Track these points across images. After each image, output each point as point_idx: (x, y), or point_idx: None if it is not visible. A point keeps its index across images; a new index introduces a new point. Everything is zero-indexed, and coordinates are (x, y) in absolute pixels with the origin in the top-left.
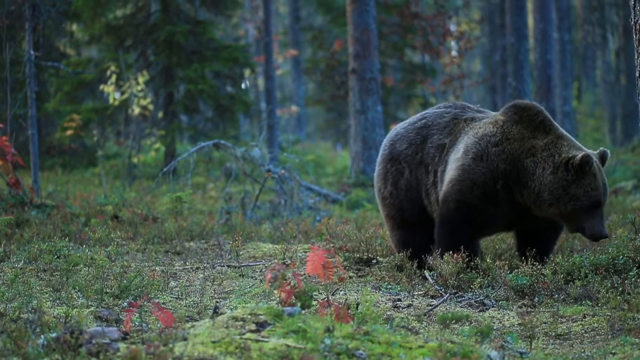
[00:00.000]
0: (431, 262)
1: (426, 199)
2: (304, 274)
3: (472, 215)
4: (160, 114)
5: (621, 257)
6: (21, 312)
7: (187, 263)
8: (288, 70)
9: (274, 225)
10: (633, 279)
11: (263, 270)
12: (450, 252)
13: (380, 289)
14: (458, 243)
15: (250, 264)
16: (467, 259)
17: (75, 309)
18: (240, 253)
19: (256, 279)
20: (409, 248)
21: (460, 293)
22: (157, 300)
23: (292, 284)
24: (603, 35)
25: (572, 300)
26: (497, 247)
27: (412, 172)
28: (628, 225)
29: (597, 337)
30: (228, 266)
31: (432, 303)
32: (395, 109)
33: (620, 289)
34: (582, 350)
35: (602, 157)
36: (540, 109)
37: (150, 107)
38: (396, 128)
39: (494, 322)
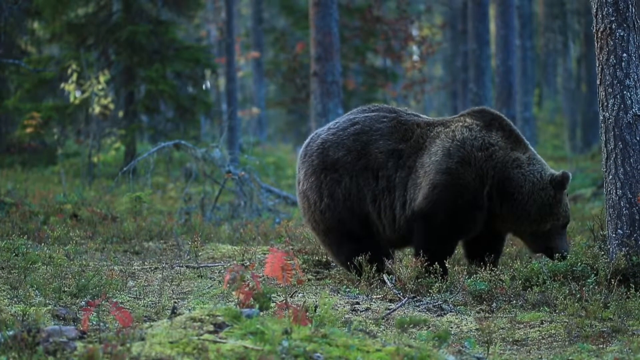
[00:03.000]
0: (390, 266)
1: (372, 206)
2: (263, 276)
3: (463, 221)
4: (120, 114)
5: (579, 264)
6: None
7: (146, 263)
8: (249, 71)
9: (233, 227)
10: (591, 286)
11: (222, 271)
12: (442, 261)
13: (338, 292)
14: (450, 251)
15: (209, 265)
16: (425, 264)
17: (33, 307)
18: (199, 254)
19: (215, 280)
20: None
21: (418, 297)
22: (115, 300)
23: (250, 285)
24: (564, 43)
25: (530, 307)
26: (456, 252)
27: (352, 179)
28: (587, 233)
29: (555, 343)
30: (187, 267)
31: (390, 307)
32: None
33: (578, 295)
34: (540, 357)
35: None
36: (510, 122)
37: (111, 106)
38: (319, 136)
39: (451, 327)
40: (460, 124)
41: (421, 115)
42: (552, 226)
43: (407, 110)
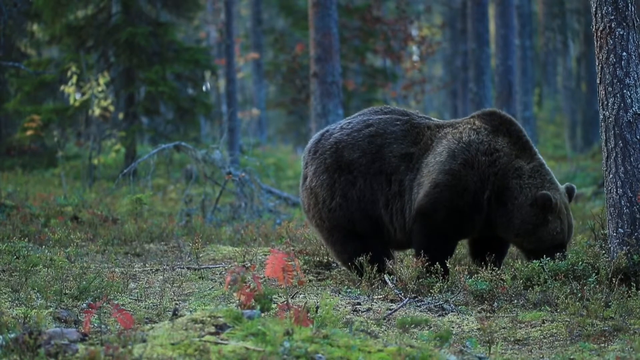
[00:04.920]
0: (391, 267)
1: (384, 209)
2: (264, 277)
3: (461, 221)
4: (120, 116)
5: (580, 263)
6: None
7: (147, 265)
8: (249, 73)
9: (234, 228)
10: (592, 285)
11: (223, 272)
12: (442, 261)
13: (339, 293)
14: (449, 250)
15: (210, 266)
16: (427, 264)
17: (34, 310)
18: (200, 255)
19: (216, 282)
20: (365, 256)
21: (419, 297)
22: (116, 302)
23: (251, 286)
24: (564, 42)
25: (531, 306)
26: (457, 252)
27: (366, 181)
28: (587, 232)
29: (556, 342)
30: (188, 268)
31: (392, 307)
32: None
33: (579, 295)
34: (541, 356)
35: (569, 193)
36: (521, 127)
37: (111, 108)
38: (331, 135)
39: (453, 327)
40: (469, 126)
41: (433, 118)
42: (536, 247)
43: (419, 113)
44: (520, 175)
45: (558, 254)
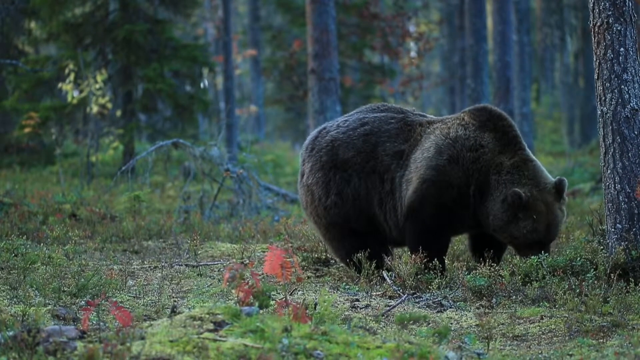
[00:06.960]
0: (389, 263)
1: (378, 208)
2: (262, 274)
3: (449, 217)
4: (118, 113)
5: (578, 258)
6: None
7: (145, 262)
8: (247, 69)
9: (232, 225)
10: (590, 281)
11: (221, 269)
12: (438, 257)
13: (338, 289)
14: (443, 246)
15: (209, 263)
16: (425, 260)
17: (33, 308)
18: (199, 252)
19: (214, 279)
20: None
21: (418, 294)
22: (114, 299)
23: (250, 283)
24: (562, 38)
25: (529, 302)
26: (455, 247)
27: (361, 180)
28: (586, 227)
29: (555, 338)
30: (186, 265)
31: (390, 303)
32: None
33: (578, 290)
34: (540, 352)
35: (559, 188)
36: (512, 123)
37: (109, 105)
38: (328, 132)
39: (451, 323)
40: (458, 121)
41: (428, 115)
42: (512, 243)
43: (415, 110)
44: (500, 172)
45: (537, 253)
